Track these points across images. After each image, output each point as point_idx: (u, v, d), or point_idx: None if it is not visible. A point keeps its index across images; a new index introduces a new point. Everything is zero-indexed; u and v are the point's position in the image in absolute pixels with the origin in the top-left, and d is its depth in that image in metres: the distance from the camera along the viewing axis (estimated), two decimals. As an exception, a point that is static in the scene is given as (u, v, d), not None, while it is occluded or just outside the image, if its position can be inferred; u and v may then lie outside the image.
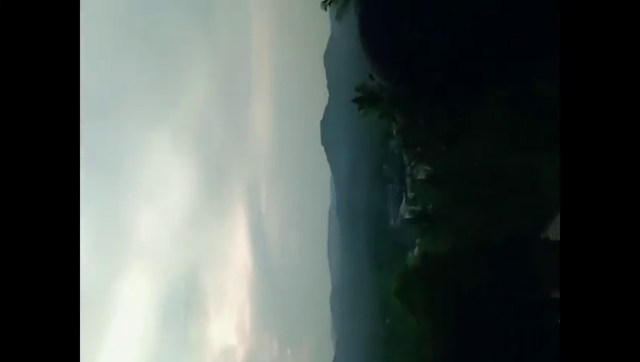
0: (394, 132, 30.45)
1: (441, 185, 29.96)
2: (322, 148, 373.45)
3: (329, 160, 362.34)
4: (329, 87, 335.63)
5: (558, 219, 26.03)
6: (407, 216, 44.23)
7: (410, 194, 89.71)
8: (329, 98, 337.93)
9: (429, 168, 32.89)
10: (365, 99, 26.55)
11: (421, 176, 39.74)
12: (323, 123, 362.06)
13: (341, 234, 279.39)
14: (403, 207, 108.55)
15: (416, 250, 60.29)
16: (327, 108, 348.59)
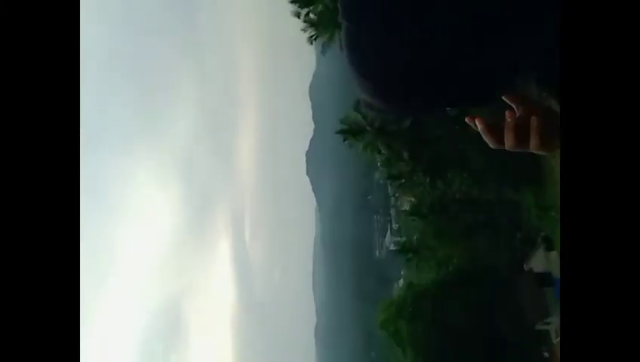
0: (378, 163, 30.81)
1: (425, 216, 30.18)
2: (307, 179, 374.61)
3: (314, 190, 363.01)
4: (314, 118, 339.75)
5: (540, 250, 26.34)
6: (392, 247, 44.24)
7: (394, 225, 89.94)
8: (314, 130, 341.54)
9: (412, 199, 33.20)
10: (349, 130, 26.97)
11: (405, 207, 40.04)
12: (308, 154, 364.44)
13: (326, 265, 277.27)
14: (388, 237, 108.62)
15: (401, 281, 60.09)
16: (312, 139, 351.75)
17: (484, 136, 0.80)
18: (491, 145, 0.80)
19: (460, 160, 25.10)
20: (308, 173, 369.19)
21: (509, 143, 0.78)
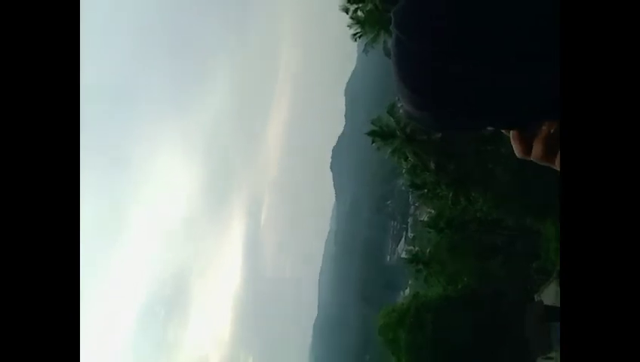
0: (403, 170, 30.60)
1: (441, 230, 29.89)
2: (330, 174, 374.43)
3: (335, 186, 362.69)
4: (346, 116, 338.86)
5: (553, 284, 25.82)
6: (403, 255, 43.91)
7: (410, 234, 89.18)
8: (344, 126, 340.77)
9: (432, 211, 32.90)
10: (379, 133, 26.82)
11: (424, 217, 39.69)
12: (335, 150, 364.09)
13: (335, 262, 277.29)
14: (401, 245, 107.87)
15: (407, 291, 59.69)
16: (341, 136, 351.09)
17: (512, 142, 0.79)
18: (517, 153, 0.79)
19: (486, 179, 24.75)
20: (332, 168, 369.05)
21: (536, 152, 0.76)
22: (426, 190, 29.53)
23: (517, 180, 23.50)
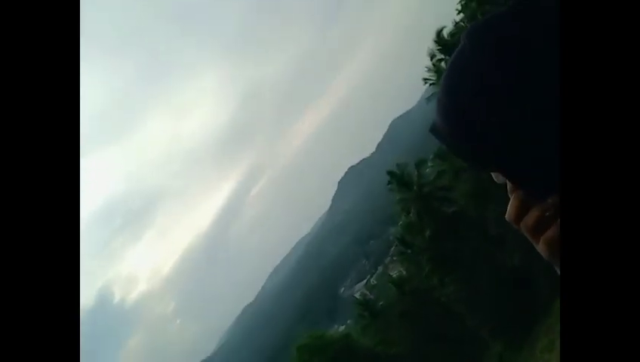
0: (400, 222, 30.54)
1: (403, 293, 29.74)
2: (335, 188, 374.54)
3: (333, 199, 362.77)
4: (379, 145, 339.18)
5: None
6: (357, 295, 43.76)
7: (373, 281, 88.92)
8: (372, 154, 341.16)
9: (404, 273, 32.77)
10: (398, 178, 26.81)
11: (394, 273, 39.56)
12: (352, 169, 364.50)
13: (295, 264, 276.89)
14: (360, 286, 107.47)
15: (342, 328, 59.42)
16: (364, 159, 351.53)
17: (511, 202, 0.76)
18: (508, 215, 0.77)
19: (467, 275, 24.61)
20: (340, 183, 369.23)
21: (527, 221, 0.74)
22: (409, 251, 29.43)
23: (496, 293, 23.35)
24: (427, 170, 28.26)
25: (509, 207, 0.76)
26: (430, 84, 26.23)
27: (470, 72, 0.73)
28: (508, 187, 0.78)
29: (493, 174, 0.80)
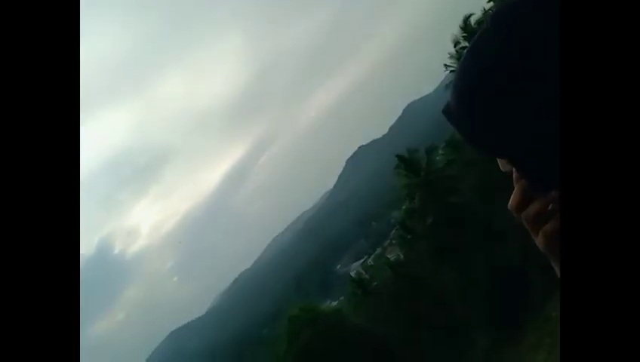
0: (403, 207, 30.57)
1: (398, 276, 30.01)
2: (343, 165, 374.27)
3: (339, 177, 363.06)
4: (392, 127, 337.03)
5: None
6: (352, 274, 44.26)
7: (370, 261, 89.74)
8: (384, 135, 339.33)
9: (400, 256, 33.00)
10: (407, 162, 26.71)
11: (391, 256, 39.85)
12: (362, 148, 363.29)
13: (293, 237, 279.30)
14: (357, 265, 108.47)
15: (335, 303, 60.27)
16: (375, 140, 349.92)
17: (515, 190, 0.76)
18: (510, 204, 0.77)
19: (463, 267, 24.72)
20: (348, 161, 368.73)
21: (529, 212, 0.74)
22: (409, 236, 29.55)
23: (490, 288, 23.49)
24: (437, 157, 28.11)
25: (512, 196, 0.76)
26: (451, 71, 25.88)
27: (489, 54, 0.71)
28: (514, 176, 0.77)
29: (499, 162, 0.79)
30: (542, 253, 0.76)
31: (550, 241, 0.74)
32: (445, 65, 26.12)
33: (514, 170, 0.76)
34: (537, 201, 0.74)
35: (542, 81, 0.66)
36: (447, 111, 0.78)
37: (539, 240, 0.75)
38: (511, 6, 0.71)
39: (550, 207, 0.74)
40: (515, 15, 0.70)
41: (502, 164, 0.79)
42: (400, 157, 27.09)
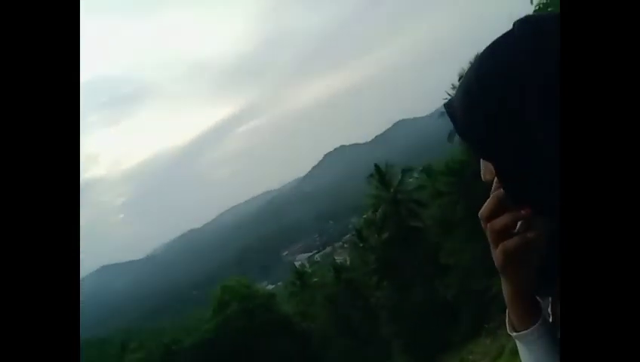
0: (364, 216, 30.87)
1: (337, 281, 30.39)
2: (320, 158, 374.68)
3: (314, 168, 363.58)
4: (377, 137, 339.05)
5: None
6: (296, 263, 44.56)
7: (317, 257, 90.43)
8: (367, 142, 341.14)
9: (346, 260, 33.38)
10: (382, 176, 26.97)
11: (337, 257, 40.38)
12: (343, 147, 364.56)
13: (250, 214, 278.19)
14: (303, 257, 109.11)
15: (271, 288, 60.38)
16: (357, 145, 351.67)
17: (491, 196, 0.75)
18: (480, 212, 0.76)
19: (402, 288, 25.25)
20: (326, 156, 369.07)
21: (495, 223, 0.74)
22: (361, 244, 29.95)
23: (419, 313, 24.06)
24: (410, 179, 28.51)
25: (485, 204, 0.75)
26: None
27: (507, 56, 0.71)
28: (493, 186, 0.77)
29: (482, 168, 0.79)
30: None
31: (507, 257, 0.74)
32: (448, 94, 26.41)
33: (495, 180, 0.76)
34: (508, 215, 0.73)
35: (549, 107, 0.66)
36: (449, 105, 0.79)
37: (496, 254, 0.75)
38: (539, 20, 0.71)
39: (518, 224, 0.74)
40: (541, 30, 0.69)
41: (485, 172, 0.79)
42: (377, 168, 27.35)
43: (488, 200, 0.75)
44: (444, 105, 0.79)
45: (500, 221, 0.73)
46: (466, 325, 21.64)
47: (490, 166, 0.76)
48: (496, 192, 0.74)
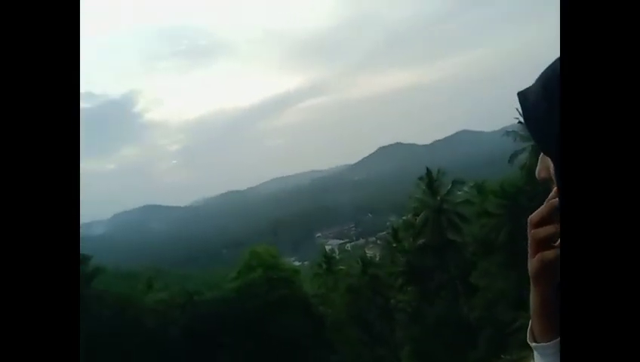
0: (404, 217, 30.54)
1: (363, 273, 30.40)
2: (374, 149, 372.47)
3: (366, 157, 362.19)
4: (435, 143, 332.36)
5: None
6: (327, 248, 44.88)
7: (348, 246, 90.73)
8: (424, 145, 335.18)
9: (376, 259, 33.28)
10: (432, 180, 26.51)
11: (369, 251, 40.29)
12: (400, 145, 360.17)
13: (295, 187, 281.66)
14: (335, 242, 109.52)
15: (296, 264, 61.30)
16: (415, 145, 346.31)
17: (545, 203, 0.75)
18: (531, 216, 0.76)
19: (425, 296, 24.91)
20: (380, 148, 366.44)
21: (540, 232, 0.74)
22: (394, 245, 29.70)
23: (436, 325, 23.72)
24: (459, 192, 27.86)
25: (538, 210, 0.75)
26: (519, 122, 25.04)
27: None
28: (552, 193, 0.76)
29: (539, 165, 0.79)
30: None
31: (542, 267, 0.74)
32: (518, 112, 25.29)
33: (555, 189, 0.75)
34: (554, 226, 0.73)
35: None
36: (522, 93, 0.78)
37: (533, 262, 0.75)
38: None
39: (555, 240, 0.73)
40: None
41: (540, 169, 0.78)
42: (428, 172, 26.88)
43: (542, 207, 0.75)
44: (518, 93, 0.78)
45: (545, 230, 0.73)
46: (483, 350, 21.14)
47: (546, 163, 0.76)
48: (552, 201, 0.74)
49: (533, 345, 0.81)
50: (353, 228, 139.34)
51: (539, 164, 0.79)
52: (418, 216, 26.45)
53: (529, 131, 0.76)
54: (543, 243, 0.74)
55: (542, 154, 0.78)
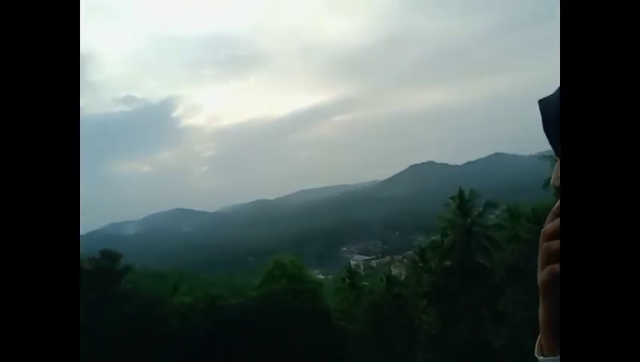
0: (433, 237, 30.04)
1: (388, 290, 30.02)
2: (407, 166, 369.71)
3: (398, 173, 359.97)
4: (469, 163, 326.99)
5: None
6: (352, 262, 44.57)
7: (373, 262, 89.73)
8: (457, 165, 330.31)
9: (401, 277, 32.82)
10: (463, 201, 26.04)
11: (394, 269, 39.85)
12: (431, 164, 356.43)
13: (322, 200, 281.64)
14: (361, 258, 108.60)
15: (320, 277, 61.01)
16: (447, 165, 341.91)
17: (550, 217, 0.76)
18: (545, 228, 0.76)
19: (450, 320, 24.36)
20: (412, 166, 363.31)
21: (553, 244, 0.74)
22: (421, 264, 29.24)
23: (459, 349, 23.15)
24: (491, 215, 27.26)
25: (551, 222, 0.75)
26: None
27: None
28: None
29: (554, 173, 0.79)
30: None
31: (552, 280, 0.74)
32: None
33: None
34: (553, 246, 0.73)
35: None
36: (544, 101, 0.78)
37: (542, 275, 0.75)
38: None
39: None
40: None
41: (555, 178, 0.78)
42: (460, 193, 26.44)
43: (556, 220, 0.74)
44: (539, 100, 0.79)
45: (558, 243, 0.72)
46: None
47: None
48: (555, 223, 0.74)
49: (540, 359, 0.80)
50: (379, 245, 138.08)
51: (554, 172, 0.78)
52: (446, 236, 26.00)
53: (547, 137, 0.76)
54: (555, 256, 0.74)
55: (558, 161, 0.78)
